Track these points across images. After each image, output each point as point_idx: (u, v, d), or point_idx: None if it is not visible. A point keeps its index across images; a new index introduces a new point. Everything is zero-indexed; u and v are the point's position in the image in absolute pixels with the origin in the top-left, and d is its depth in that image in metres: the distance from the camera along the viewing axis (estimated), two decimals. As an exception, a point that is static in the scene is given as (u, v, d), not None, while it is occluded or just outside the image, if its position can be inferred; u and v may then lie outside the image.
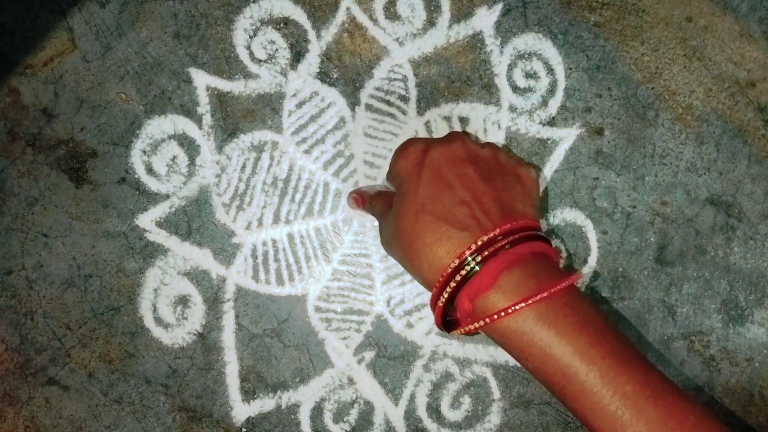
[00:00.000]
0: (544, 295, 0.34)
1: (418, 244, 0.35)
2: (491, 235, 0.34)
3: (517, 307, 0.33)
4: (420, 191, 0.36)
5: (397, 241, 0.38)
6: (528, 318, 0.33)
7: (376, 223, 0.48)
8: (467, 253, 0.34)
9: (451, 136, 0.40)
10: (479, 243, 0.34)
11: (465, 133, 0.42)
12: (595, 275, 0.51)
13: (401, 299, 0.51)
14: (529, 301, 0.33)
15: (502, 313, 0.34)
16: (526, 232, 0.35)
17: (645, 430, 0.31)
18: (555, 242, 0.51)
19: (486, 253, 0.34)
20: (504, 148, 0.46)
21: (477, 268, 0.35)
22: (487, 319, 0.34)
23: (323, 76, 0.52)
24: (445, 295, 0.36)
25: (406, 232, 0.36)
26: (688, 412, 0.32)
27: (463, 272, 0.35)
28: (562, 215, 0.51)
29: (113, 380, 0.51)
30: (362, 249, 0.52)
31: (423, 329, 0.51)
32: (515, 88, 0.51)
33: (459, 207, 0.35)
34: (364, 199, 0.49)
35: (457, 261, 0.34)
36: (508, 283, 0.34)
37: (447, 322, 0.39)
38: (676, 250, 0.51)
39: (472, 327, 0.36)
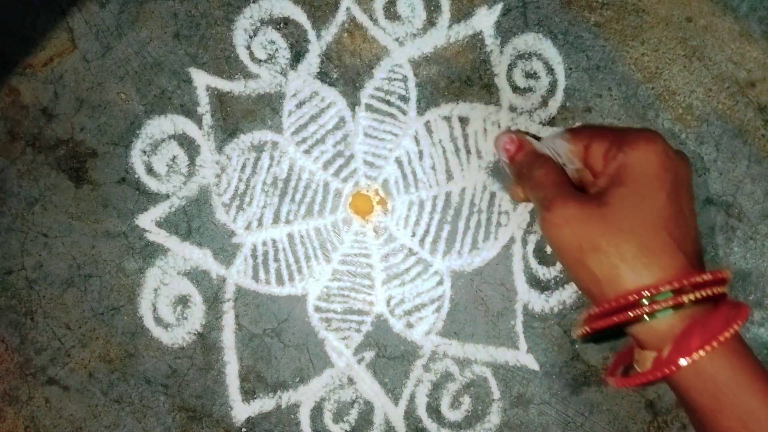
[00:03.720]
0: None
1: (637, 253, 0.32)
2: (700, 279, 0.32)
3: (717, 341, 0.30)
4: (667, 204, 0.33)
5: (613, 237, 0.33)
6: (725, 363, 0.31)
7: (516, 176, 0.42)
8: (676, 284, 0.31)
9: (682, 155, 0.36)
10: (687, 282, 0.31)
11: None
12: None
13: (401, 299, 0.51)
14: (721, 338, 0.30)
15: (711, 346, 0.30)
16: (720, 287, 0.33)
17: None
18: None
19: (700, 296, 0.31)
20: None
21: (688, 305, 0.31)
22: (693, 356, 0.30)
23: (323, 76, 0.52)
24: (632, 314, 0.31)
25: (634, 235, 0.32)
26: None
27: (688, 299, 0.31)
28: (562, 215, 0.51)
29: (113, 380, 0.51)
30: (362, 249, 0.52)
31: (423, 329, 0.51)
32: (515, 88, 0.51)
33: (691, 242, 0.33)
34: (522, 148, 0.42)
35: (673, 285, 0.31)
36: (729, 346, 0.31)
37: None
38: (676, 250, 0.51)
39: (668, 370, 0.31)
